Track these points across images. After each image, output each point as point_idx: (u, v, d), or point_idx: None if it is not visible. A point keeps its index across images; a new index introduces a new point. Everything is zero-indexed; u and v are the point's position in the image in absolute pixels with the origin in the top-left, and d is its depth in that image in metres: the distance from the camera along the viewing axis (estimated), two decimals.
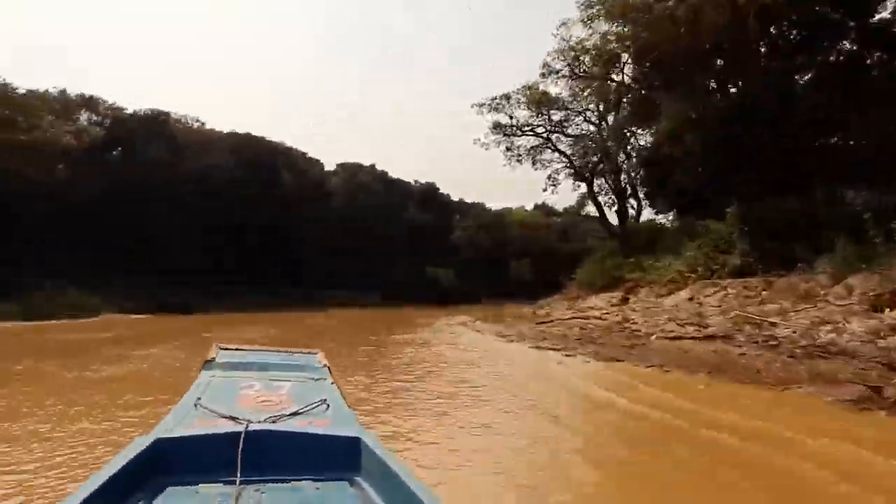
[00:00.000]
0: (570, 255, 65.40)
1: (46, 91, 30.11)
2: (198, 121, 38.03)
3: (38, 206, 27.27)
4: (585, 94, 24.36)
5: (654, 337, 10.98)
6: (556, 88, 24.37)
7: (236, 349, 3.63)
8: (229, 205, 36.25)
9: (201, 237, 34.53)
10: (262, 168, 39.24)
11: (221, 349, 3.50)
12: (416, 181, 58.13)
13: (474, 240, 58.40)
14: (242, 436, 1.98)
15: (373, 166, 52.56)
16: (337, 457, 2.07)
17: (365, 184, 50.39)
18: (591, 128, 25.47)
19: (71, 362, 10.53)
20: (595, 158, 25.42)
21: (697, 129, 17.07)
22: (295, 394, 2.64)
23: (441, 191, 60.49)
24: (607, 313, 15.55)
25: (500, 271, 58.91)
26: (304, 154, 47.86)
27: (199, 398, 2.48)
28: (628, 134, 23.89)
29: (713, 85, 18.35)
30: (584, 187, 27.91)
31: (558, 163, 27.75)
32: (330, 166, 50.59)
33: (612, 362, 9.40)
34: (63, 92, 31.31)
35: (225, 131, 39.63)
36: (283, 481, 1.93)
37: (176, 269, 32.45)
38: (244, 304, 31.19)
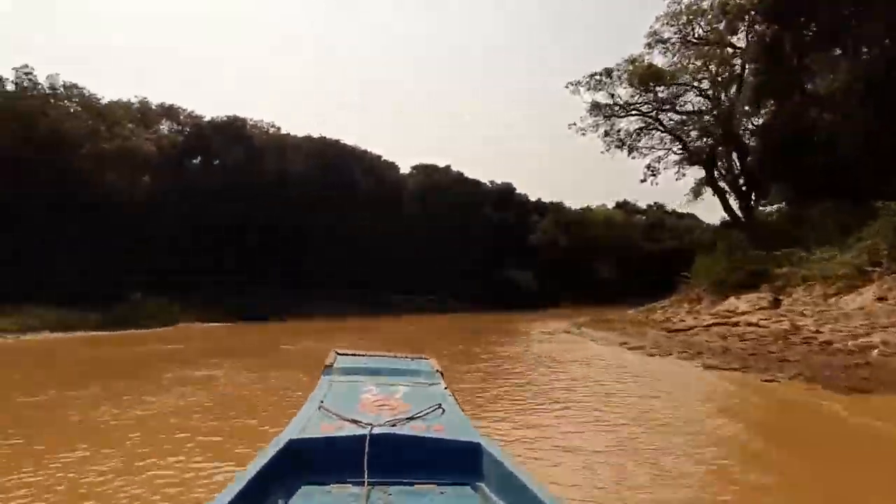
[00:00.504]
0: (656, 254, 61.70)
1: (128, 101, 30.17)
2: (273, 125, 37.51)
3: (121, 214, 26.99)
4: (699, 63, 21.13)
5: (875, 352, 8.13)
6: (664, 59, 21.35)
7: (352, 354, 3.70)
8: (307, 210, 35.30)
9: (280, 244, 33.66)
10: (338, 171, 38.12)
11: (339, 354, 3.57)
12: (491, 182, 55.84)
13: (554, 240, 55.48)
14: (367, 439, 2.02)
15: (448, 167, 50.71)
16: (458, 462, 2.07)
17: (441, 185, 48.56)
18: (707, 103, 22.10)
19: (117, 386, 8.88)
20: (711, 140, 22.04)
21: (867, 93, 13.80)
22: (410, 398, 2.67)
23: (518, 191, 57.86)
24: (764, 319, 12.61)
25: (582, 273, 55.78)
26: (378, 157, 46.65)
27: (322, 401, 2.56)
28: (751, 108, 20.41)
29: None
30: (692, 172, 24.36)
31: (661, 147, 24.55)
32: (405, 168, 49.15)
33: (855, 394, 6.56)
34: (144, 101, 31.38)
35: (300, 135, 38.91)
36: (407, 484, 1.94)
37: (253, 276, 31.68)
38: (320, 312, 29.90)
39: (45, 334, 19.06)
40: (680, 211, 74.06)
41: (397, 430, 2.18)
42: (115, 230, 26.80)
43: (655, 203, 74.14)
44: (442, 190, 48.50)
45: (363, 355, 3.79)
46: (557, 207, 61.03)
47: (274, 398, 8.03)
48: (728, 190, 24.14)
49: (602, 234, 59.22)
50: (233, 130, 34.61)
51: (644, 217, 68.00)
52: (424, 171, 49.70)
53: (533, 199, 59.85)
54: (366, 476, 1.87)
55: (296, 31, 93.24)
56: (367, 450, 1.96)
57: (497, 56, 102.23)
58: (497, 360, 12.55)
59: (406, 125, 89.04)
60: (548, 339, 17.36)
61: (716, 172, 22.81)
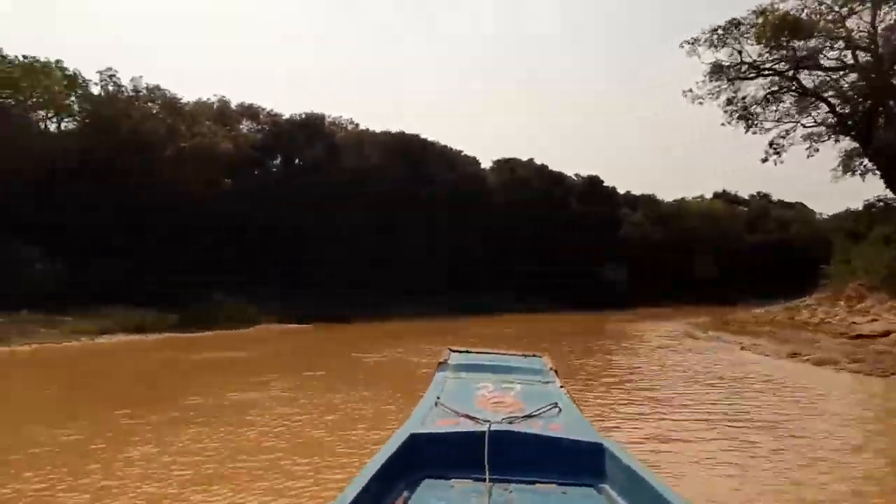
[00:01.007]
0: (762, 247, 56.04)
1: (207, 99, 29.90)
2: (351, 122, 36.44)
3: (199, 214, 26.50)
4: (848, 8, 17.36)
5: None
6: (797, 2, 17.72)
7: (465, 352, 3.72)
8: (389, 208, 33.90)
9: (360, 242, 32.35)
10: (418, 167, 36.55)
11: (452, 352, 3.61)
12: (576, 175, 52.56)
13: (646, 235, 51.55)
14: (487, 435, 2.02)
15: (531, 160, 48.03)
16: (580, 462, 2.04)
17: (524, 179, 46.00)
18: (862, 55, 18.13)
19: (136, 414, 7.17)
20: (868, 101, 18.10)
21: None
22: (525, 396, 2.68)
23: (605, 183, 54.26)
24: None
25: (679, 269, 51.49)
26: (459, 151, 44.79)
27: (439, 397, 2.59)
28: None
29: None
30: (826, 149, 20.52)
31: (789, 120, 20.76)
32: (486, 163, 46.98)
33: None
34: (223, 100, 31.00)
35: (378, 130, 37.69)
36: (528, 482, 1.94)
37: (333, 275, 30.51)
38: (404, 313, 28.34)
39: (120, 336, 18.39)
40: (787, 200, 67.74)
41: (515, 428, 2.18)
42: (194, 230, 26.39)
43: (759, 192, 67.97)
44: (525, 184, 45.95)
45: (476, 352, 3.80)
46: (649, 200, 56.85)
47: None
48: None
49: (700, 227, 54.58)
50: (312, 128, 33.75)
51: (746, 208, 62.20)
52: (506, 165, 47.35)
53: (622, 191, 56.00)
54: (487, 472, 1.85)
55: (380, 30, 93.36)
56: (486, 446, 1.95)
57: (581, 33, 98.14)
58: (629, 374, 10.11)
59: (484, 121, 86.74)
60: (675, 345, 14.63)
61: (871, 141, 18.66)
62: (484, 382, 2.87)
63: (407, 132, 38.59)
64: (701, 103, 20.44)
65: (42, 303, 19.63)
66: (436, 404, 2.49)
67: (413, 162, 36.48)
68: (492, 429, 2.08)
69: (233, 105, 31.60)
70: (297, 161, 33.47)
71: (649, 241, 50.78)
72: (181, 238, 25.51)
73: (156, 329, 19.74)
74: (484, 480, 1.83)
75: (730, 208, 59.48)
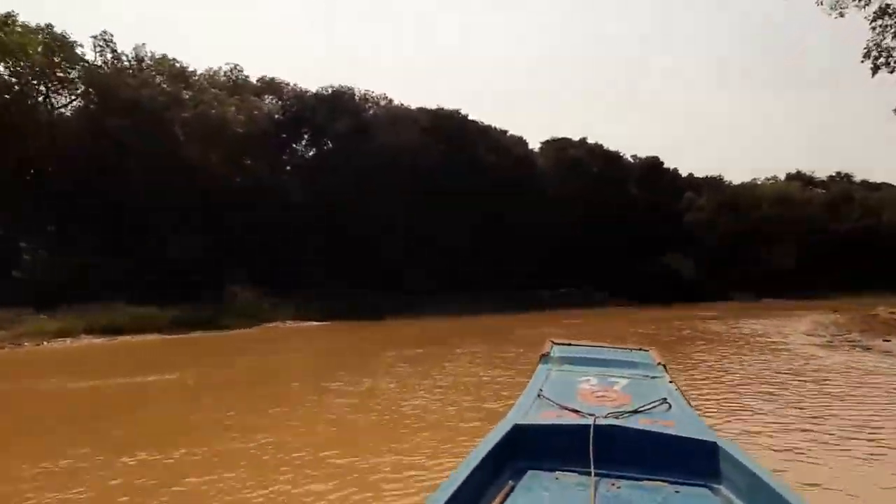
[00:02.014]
0: (846, 234, 49.59)
1: (218, 69, 26.57)
2: (385, 97, 32.69)
3: (213, 192, 23.29)
4: None
5: None
6: None
7: (568, 344, 3.68)
8: (427, 191, 30.03)
9: (394, 230, 28.49)
10: (459, 146, 32.47)
11: (555, 344, 3.57)
12: (634, 156, 47.52)
13: (714, 221, 46.23)
14: (591, 429, 1.99)
15: (584, 140, 43.30)
16: (692, 460, 1.95)
17: (576, 160, 41.40)
18: None
19: None
20: None
21: None
22: (631, 391, 2.61)
23: (666, 165, 49.05)
24: None
25: (752, 260, 46.03)
26: (504, 132, 40.52)
27: (541, 390, 2.58)
28: None
29: None
30: None
31: None
32: (533, 144, 42.52)
33: None
34: (236, 68, 27.32)
35: (414, 107, 33.83)
36: (636, 479, 1.88)
37: (361, 266, 26.81)
38: (439, 308, 24.43)
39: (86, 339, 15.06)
40: (872, 181, 60.54)
41: (621, 423, 2.11)
42: (210, 218, 23.18)
43: (838, 173, 60.97)
44: (578, 166, 41.34)
45: (579, 345, 3.75)
46: (715, 182, 51.22)
47: None
48: None
49: (774, 212, 48.62)
50: (340, 103, 30.20)
51: (824, 191, 55.49)
52: (556, 145, 42.76)
53: (684, 173, 50.52)
54: (592, 466, 1.82)
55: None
56: (591, 440, 1.92)
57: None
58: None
59: (531, 100, 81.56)
60: (850, 363, 10.08)
61: None
62: (587, 376, 2.82)
63: (445, 108, 34.63)
64: (842, 14, 15.48)
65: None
66: (538, 396, 2.48)
67: (454, 142, 32.44)
68: (597, 423, 2.03)
69: (248, 76, 28.16)
70: (324, 141, 29.99)
71: (718, 228, 45.47)
72: (193, 226, 22.30)
73: (144, 328, 16.36)
74: (589, 474, 1.79)
75: (806, 192, 53.08)
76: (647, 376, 2.91)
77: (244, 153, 25.83)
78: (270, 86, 29.02)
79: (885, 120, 46.57)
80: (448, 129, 33.20)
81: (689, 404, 2.52)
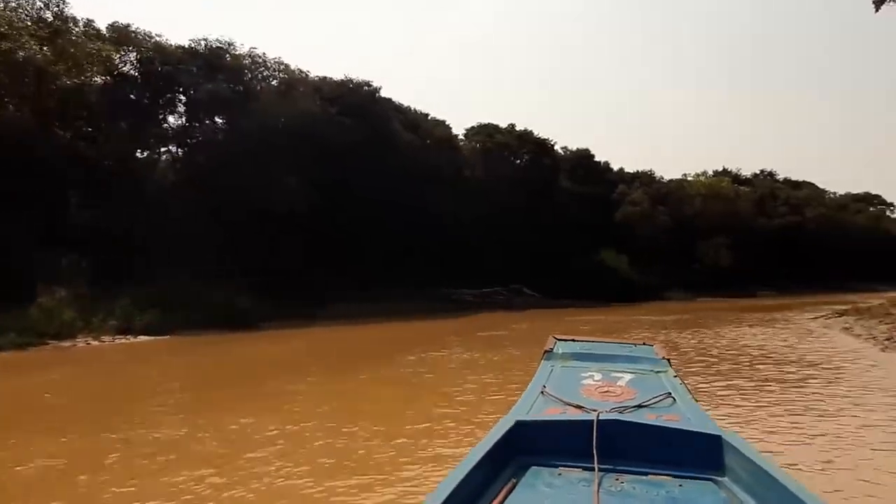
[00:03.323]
0: (775, 231, 48.61)
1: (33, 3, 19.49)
2: (277, 60, 26.93)
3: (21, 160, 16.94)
4: None
5: None
6: None
7: (572, 340, 3.60)
8: (335, 171, 24.68)
9: (293, 220, 22.79)
10: (372, 124, 27.17)
11: (558, 340, 3.49)
12: (564, 148, 44.08)
13: (648, 216, 43.65)
14: (595, 424, 1.95)
15: (512, 126, 39.13)
16: (697, 454, 1.91)
17: (505, 145, 37.22)
18: None
19: None
20: None
21: None
22: (636, 385, 2.56)
23: (596, 158, 46.08)
24: None
25: (686, 257, 43.91)
26: (425, 115, 35.65)
27: (545, 386, 2.52)
28: None
29: None
30: None
31: None
32: (457, 130, 37.86)
33: None
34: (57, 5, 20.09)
35: (313, 76, 28.29)
36: (640, 473, 1.84)
37: (251, 264, 21.10)
38: (345, 311, 19.53)
39: None
40: (794, 179, 60.81)
41: (626, 417, 2.09)
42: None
43: (762, 171, 60.91)
44: (506, 150, 37.18)
45: (582, 340, 3.68)
46: (648, 177, 48.73)
47: None
48: None
49: (706, 209, 46.83)
50: (214, 61, 24.28)
51: (751, 188, 54.62)
52: (483, 131, 38.46)
53: (615, 167, 47.71)
54: (595, 461, 1.80)
55: None
56: (594, 435, 1.89)
57: None
58: None
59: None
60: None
61: None
62: (590, 371, 2.78)
63: (355, 78, 29.31)
64: None
65: None
66: (542, 393, 2.45)
67: (366, 119, 27.10)
68: (600, 417, 1.99)
69: (85, 20, 21.20)
70: (198, 108, 23.96)
71: (652, 223, 42.86)
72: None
73: None
74: (592, 469, 1.78)
75: (735, 188, 52.06)
76: (652, 371, 2.83)
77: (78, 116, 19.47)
78: (121, 35, 22.63)
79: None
80: (357, 102, 27.89)
81: (694, 398, 2.44)
